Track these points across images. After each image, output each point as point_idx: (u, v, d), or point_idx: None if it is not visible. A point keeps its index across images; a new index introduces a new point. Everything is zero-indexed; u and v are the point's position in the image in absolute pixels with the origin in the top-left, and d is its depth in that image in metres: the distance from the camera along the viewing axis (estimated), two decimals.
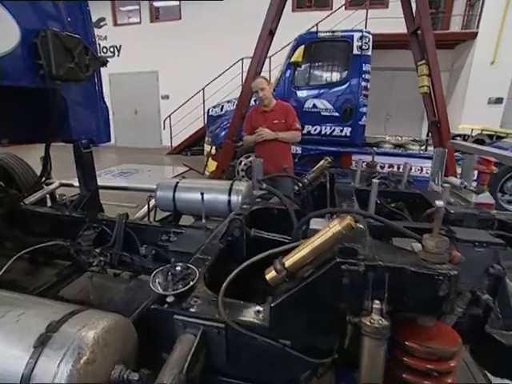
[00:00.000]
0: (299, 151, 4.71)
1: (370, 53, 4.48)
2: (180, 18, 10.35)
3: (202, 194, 1.75)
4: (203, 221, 1.80)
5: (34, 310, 0.73)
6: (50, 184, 3.07)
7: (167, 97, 10.80)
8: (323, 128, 4.74)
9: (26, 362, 0.63)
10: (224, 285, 0.77)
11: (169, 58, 10.15)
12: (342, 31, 4.70)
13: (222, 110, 5.94)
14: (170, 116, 9.97)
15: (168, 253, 1.72)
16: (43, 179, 2.56)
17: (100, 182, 2.69)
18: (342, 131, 4.70)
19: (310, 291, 0.73)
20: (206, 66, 9.39)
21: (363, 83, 4.54)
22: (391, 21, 7.61)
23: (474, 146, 2.18)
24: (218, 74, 8.96)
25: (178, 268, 0.94)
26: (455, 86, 7.81)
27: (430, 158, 4.29)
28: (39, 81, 1.83)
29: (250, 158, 4.73)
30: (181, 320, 0.80)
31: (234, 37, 9.33)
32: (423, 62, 3.32)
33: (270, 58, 6.74)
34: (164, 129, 10.39)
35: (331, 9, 8.85)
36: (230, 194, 1.93)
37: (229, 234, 1.27)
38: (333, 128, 4.72)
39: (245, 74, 8.83)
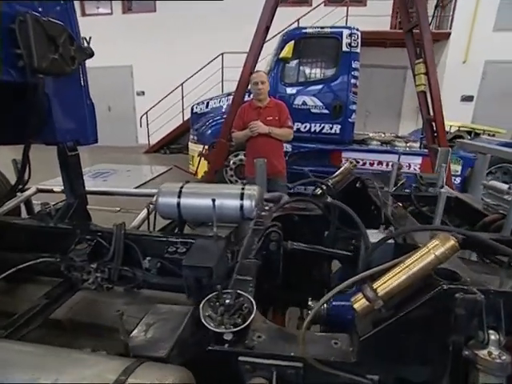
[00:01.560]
0: (289, 149, 4.63)
1: (358, 50, 4.48)
2: (155, 10, 9.87)
3: (214, 200, 1.60)
4: (214, 229, 1.66)
5: (70, 372, 0.55)
6: (26, 190, 2.73)
7: (143, 93, 10.29)
8: (313, 125, 4.70)
9: None
10: (309, 317, 0.65)
11: (144, 52, 9.63)
12: (331, 27, 4.66)
13: (207, 107, 5.71)
14: (146, 113, 9.51)
15: (181, 267, 1.57)
16: (19, 187, 2.26)
17: None
18: (331, 128, 4.68)
19: (409, 322, 0.63)
20: (184, 61, 9.03)
21: (352, 80, 4.54)
22: (369, 19, 7.75)
23: (486, 145, 2.20)
24: (198, 70, 8.65)
25: (229, 296, 0.80)
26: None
27: (420, 154, 4.40)
28: (18, 74, 1.57)
29: (240, 157, 4.58)
30: (248, 362, 0.67)
31: (213, 30, 9.04)
32: (420, 60, 3.36)
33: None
34: (140, 126, 9.90)
35: (311, 5, 8.85)
36: (242, 199, 1.80)
37: (264, 248, 1.14)
38: (322, 125, 4.69)
39: (225, 70, 8.67)
